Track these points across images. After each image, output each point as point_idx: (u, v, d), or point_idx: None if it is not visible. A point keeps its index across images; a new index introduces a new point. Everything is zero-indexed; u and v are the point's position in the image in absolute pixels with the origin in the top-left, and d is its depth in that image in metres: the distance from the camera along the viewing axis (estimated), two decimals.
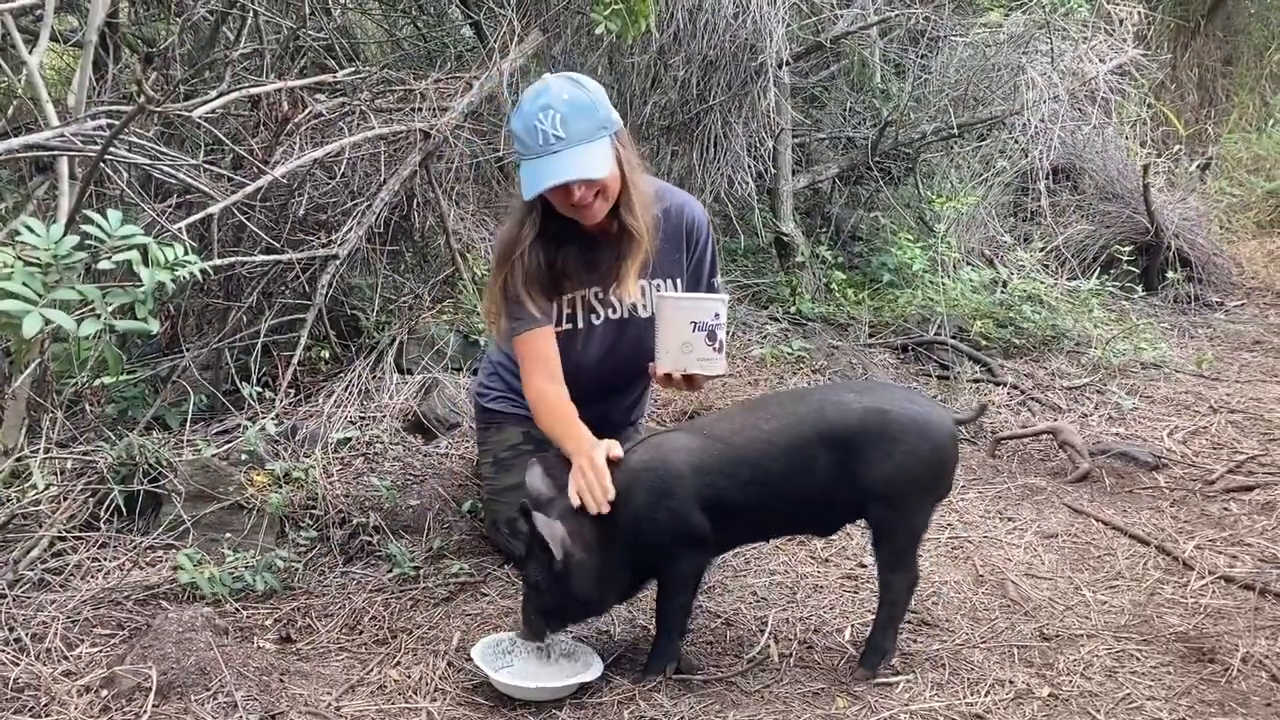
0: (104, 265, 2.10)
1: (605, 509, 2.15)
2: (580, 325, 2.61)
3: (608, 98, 2.43)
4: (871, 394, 2.25)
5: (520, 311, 2.48)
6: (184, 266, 2.18)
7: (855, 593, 2.63)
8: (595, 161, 2.34)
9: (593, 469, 2.19)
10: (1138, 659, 2.30)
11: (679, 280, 2.64)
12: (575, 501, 2.18)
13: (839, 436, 2.16)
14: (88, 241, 2.11)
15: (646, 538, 2.18)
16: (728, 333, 2.40)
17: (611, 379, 2.68)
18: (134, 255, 2.11)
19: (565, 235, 2.49)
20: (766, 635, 2.39)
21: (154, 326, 2.14)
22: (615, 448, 2.24)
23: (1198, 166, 6.83)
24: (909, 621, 2.42)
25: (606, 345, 2.62)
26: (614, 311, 2.61)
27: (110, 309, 2.08)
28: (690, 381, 2.42)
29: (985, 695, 2.15)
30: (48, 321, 1.98)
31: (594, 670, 2.20)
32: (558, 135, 2.31)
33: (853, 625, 2.46)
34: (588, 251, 2.53)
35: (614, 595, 2.27)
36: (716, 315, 2.35)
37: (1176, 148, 6.79)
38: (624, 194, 2.44)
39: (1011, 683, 2.19)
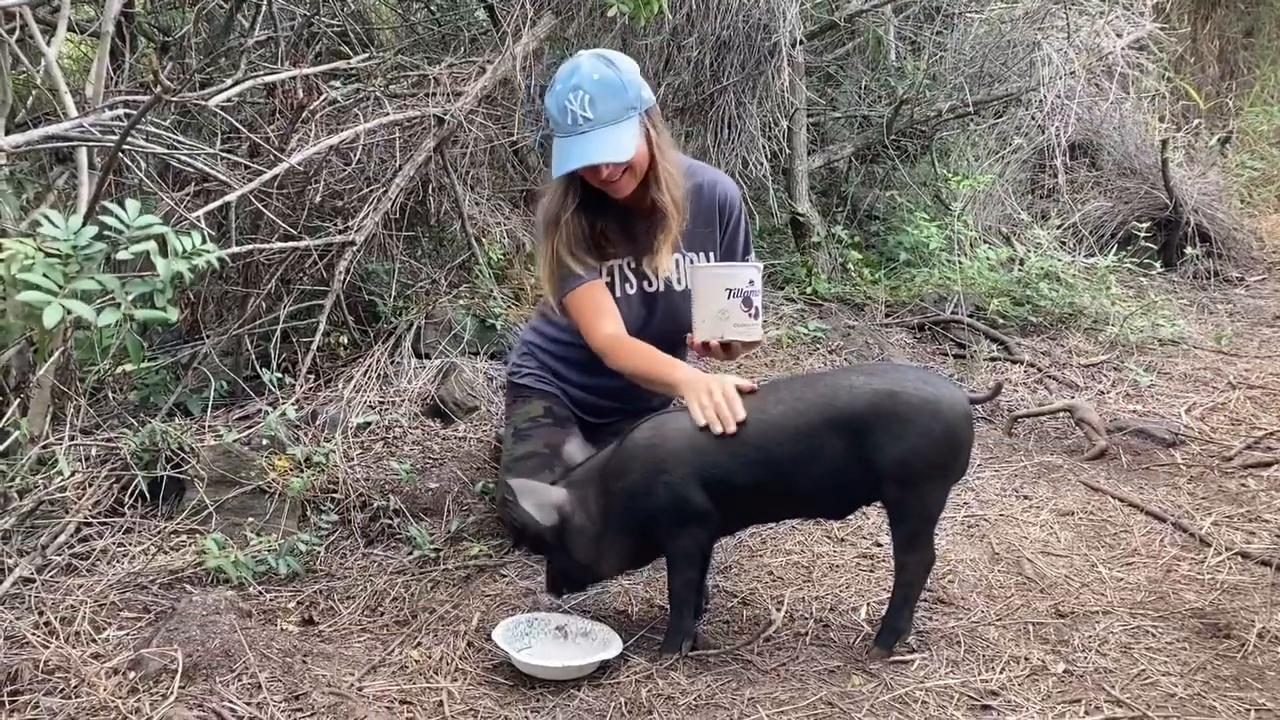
0: (123, 256, 2.12)
1: (732, 429, 2.17)
2: (617, 295, 2.63)
3: (639, 75, 2.47)
4: (883, 376, 2.25)
5: (569, 272, 2.53)
6: (201, 256, 2.20)
7: (871, 571, 2.64)
8: (621, 143, 2.39)
9: (724, 394, 2.22)
10: (1153, 635, 2.31)
11: (712, 255, 2.68)
12: (701, 422, 2.20)
13: (850, 420, 2.16)
14: (106, 232, 2.14)
15: (643, 512, 2.23)
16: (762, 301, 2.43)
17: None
18: (152, 245, 2.13)
19: (603, 204, 2.55)
20: (781, 616, 2.41)
21: (173, 315, 2.17)
22: (743, 381, 2.27)
23: (1218, 140, 6.75)
24: (924, 599, 2.43)
25: (640, 319, 2.63)
26: (648, 284, 2.65)
27: (130, 298, 2.10)
28: (728, 349, 2.46)
29: (1000, 672, 2.16)
30: (68, 312, 2.01)
31: (614, 648, 2.23)
32: (586, 116, 2.37)
33: (868, 604, 2.48)
34: (625, 221, 2.59)
35: (613, 562, 2.33)
36: (751, 282, 2.38)
37: (1196, 122, 6.72)
38: (653, 171, 2.48)
39: (1027, 659, 2.20)
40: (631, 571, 2.50)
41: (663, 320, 2.63)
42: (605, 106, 2.37)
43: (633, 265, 2.63)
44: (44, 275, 2.00)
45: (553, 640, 2.31)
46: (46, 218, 2.10)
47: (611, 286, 2.62)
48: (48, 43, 2.82)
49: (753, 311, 2.38)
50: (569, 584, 2.39)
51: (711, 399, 2.22)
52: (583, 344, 2.62)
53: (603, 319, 2.53)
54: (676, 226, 2.53)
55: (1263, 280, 5.85)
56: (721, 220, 2.68)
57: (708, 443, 2.20)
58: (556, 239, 2.53)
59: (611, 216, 2.58)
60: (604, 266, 2.62)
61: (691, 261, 2.64)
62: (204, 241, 2.24)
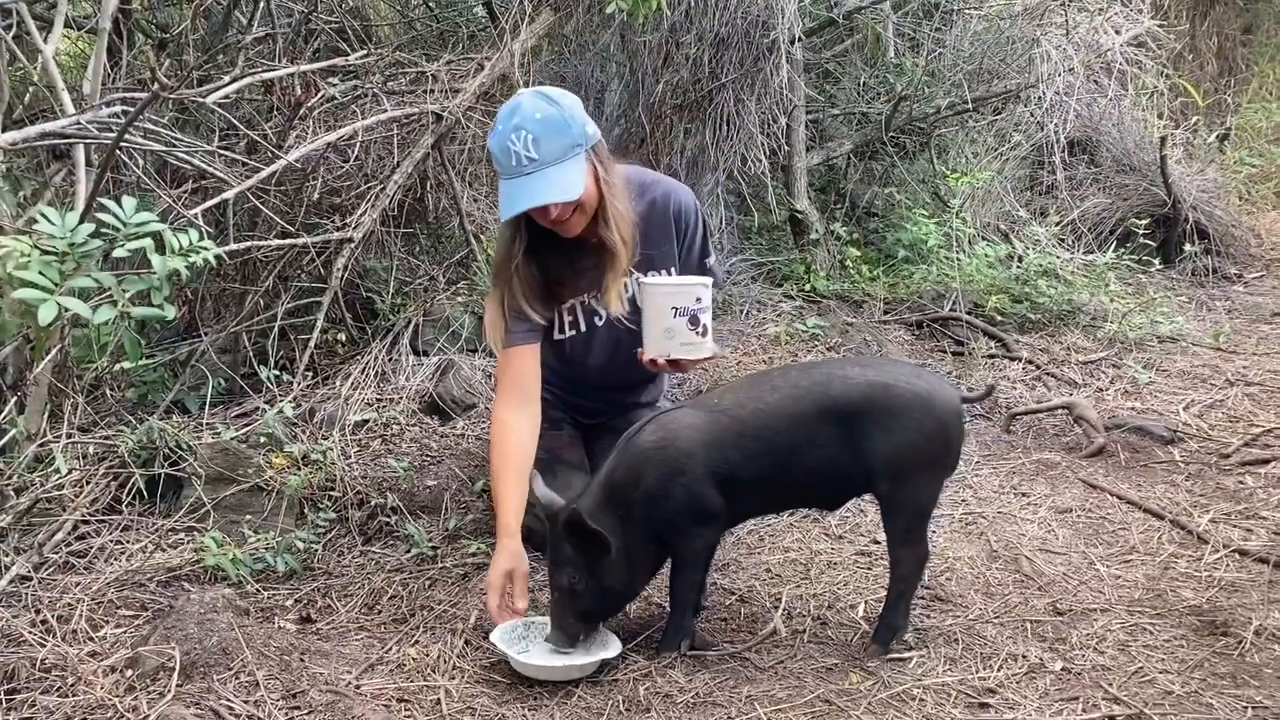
0: (119, 253, 2.12)
1: (502, 619, 2.28)
2: (584, 328, 2.65)
3: (583, 110, 2.42)
4: (876, 369, 2.25)
5: (519, 324, 2.52)
6: (198, 253, 2.20)
7: (869, 569, 2.64)
8: (568, 182, 2.35)
9: (518, 582, 2.33)
10: (1151, 633, 2.31)
11: (673, 269, 2.65)
12: (490, 603, 2.30)
13: (842, 410, 2.17)
14: (103, 229, 2.13)
15: (661, 516, 2.20)
16: (715, 313, 2.42)
17: (622, 375, 2.72)
18: (148, 243, 2.13)
19: (553, 245, 2.51)
20: (780, 612, 2.41)
21: (170, 313, 2.16)
22: (523, 564, 2.36)
23: (1216, 137, 6.76)
24: (922, 597, 2.43)
25: (613, 344, 2.65)
26: (599, 319, 2.65)
27: (127, 296, 2.10)
28: (676, 365, 2.44)
29: (998, 670, 2.16)
30: (65, 309, 2.00)
31: (613, 647, 2.22)
32: (530, 156, 2.32)
33: (866, 601, 2.48)
34: (577, 259, 2.55)
35: (644, 576, 2.29)
36: (699, 299, 2.35)
37: (1195, 119, 6.72)
38: (601, 209, 2.44)
39: (1024, 657, 2.21)
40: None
41: (636, 342, 2.57)
42: (549, 145, 2.32)
43: (597, 297, 2.61)
44: (40, 273, 1.99)
45: (548, 645, 2.30)
46: (43, 215, 2.09)
47: (577, 325, 2.64)
48: (45, 40, 2.82)
49: (700, 329, 2.36)
50: (593, 619, 2.24)
51: (502, 582, 2.32)
52: (569, 345, 2.65)
53: (511, 395, 2.52)
54: (625, 265, 2.50)
55: (1261, 277, 5.85)
56: (678, 232, 2.65)
57: (716, 438, 2.19)
58: (505, 288, 2.51)
59: (562, 256, 2.54)
60: (565, 307, 2.62)
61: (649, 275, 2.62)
62: (201, 239, 2.23)
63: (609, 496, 2.21)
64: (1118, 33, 5.22)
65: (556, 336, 2.67)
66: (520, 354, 2.53)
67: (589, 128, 2.40)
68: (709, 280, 2.43)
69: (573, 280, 2.59)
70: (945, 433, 2.20)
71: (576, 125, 2.36)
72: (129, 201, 2.17)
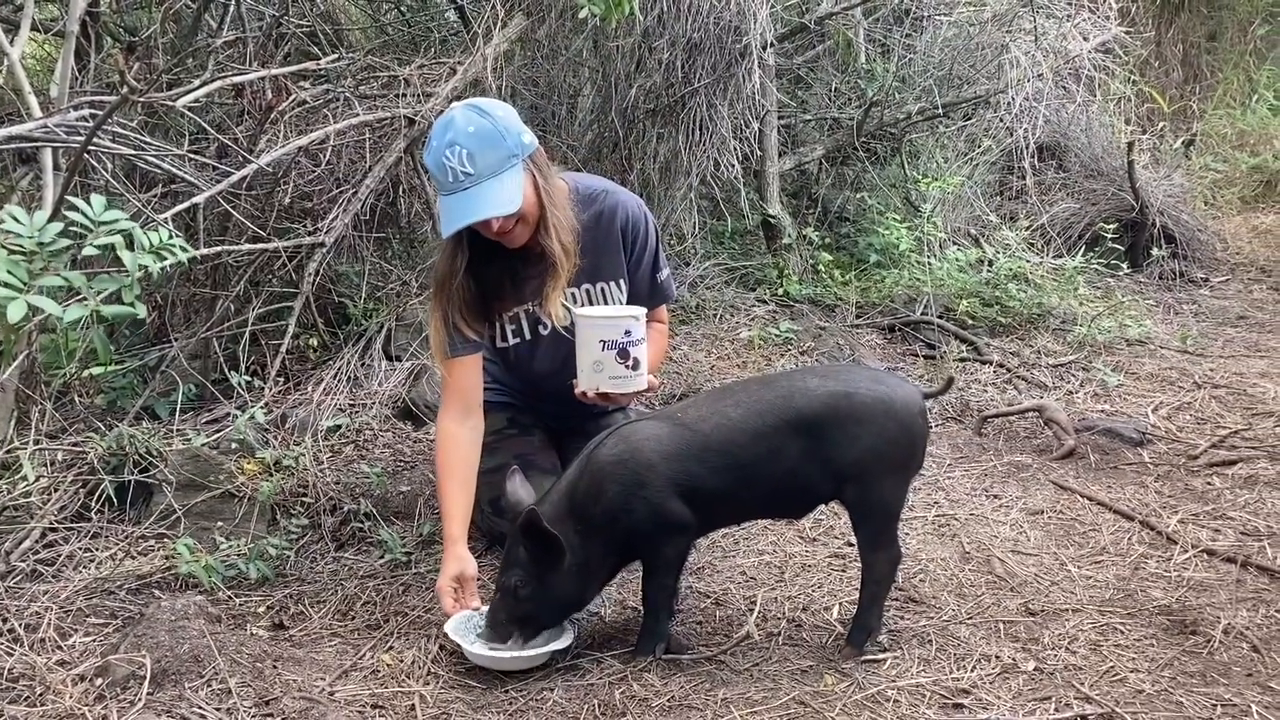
0: (88, 251, 2.09)
1: (459, 614, 2.30)
2: (529, 336, 2.65)
3: (518, 120, 2.41)
4: (836, 377, 2.26)
5: (457, 338, 2.50)
6: (169, 251, 2.18)
7: (843, 571, 2.65)
8: (506, 195, 2.33)
9: (463, 582, 2.36)
10: (1121, 632, 2.33)
11: (622, 281, 2.64)
12: (444, 603, 2.33)
13: (807, 422, 2.17)
14: (72, 227, 2.11)
15: (624, 528, 2.19)
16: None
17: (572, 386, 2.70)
18: (118, 240, 2.10)
19: (495, 257, 2.50)
20: (754, 616, 2.42)
21: (141, 311, 2.14)
22: (471, 567, 2.38)
23: (1182, 143, 6.85)
24: (896, 599, 2.44)
25: (560, 355, 2.61)
26: (544, 328, 2.64)
27: (97, 296, 2.08)
28: (607, 398, 2.43)
29: (971, 670, 2.17)
30: (35, 309, 1.98)
31: (565, 638, 2.23)
32: (466, 172, 2.31)
33: (840, 604, 2.48)
34: (520, 269, 2.55)
35: (595, 588, 2.29)
36: (628, 333, 2.33)
37: (1161, 125, 6.83)
38: (542, 218, 2.44)
39: (997, 657, 2.22)
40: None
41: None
42: (485, 159, 2.31)
43: (530, 310, 2.62)
44: (9, 272, 1.97)
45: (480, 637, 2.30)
46: (10, 215, 2.07)
47: (520, 333, 2.64)
48: (11, 42, 2.78)
49: (630, 363, 2.34)
50: (531, 624, 2.22)
51: (452, 586, 2.34)
52: (513, 354, 2.66)
53: (453, 405, 2.52)
54: (566, 273, 2.48)
55: (1226, 281, 5.94)
56: (626, 243, 2.64)
57: (677, 450, 2.19)
58: (447, 303, 2.50)
59: (505, 268, 2.54)
60: (507, 316, 2.62)
61: (603, 292, 2.62)
62: (171, 238, 2.21)
63: (570, 507, 2.20)
64: (1085, 39, 5.28)
65: (499, 344, 2.67)
66: (462, 365, 2.52)
67: (525, 137, 2.39)
68: (640, 312, 2.39)
69: (515, 291, 2.59)
70: (909, 434, 2.22)
71: (511, 136, 2.35)
72: (98, 199, 2.14)
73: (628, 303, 2.64)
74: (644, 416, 2.42)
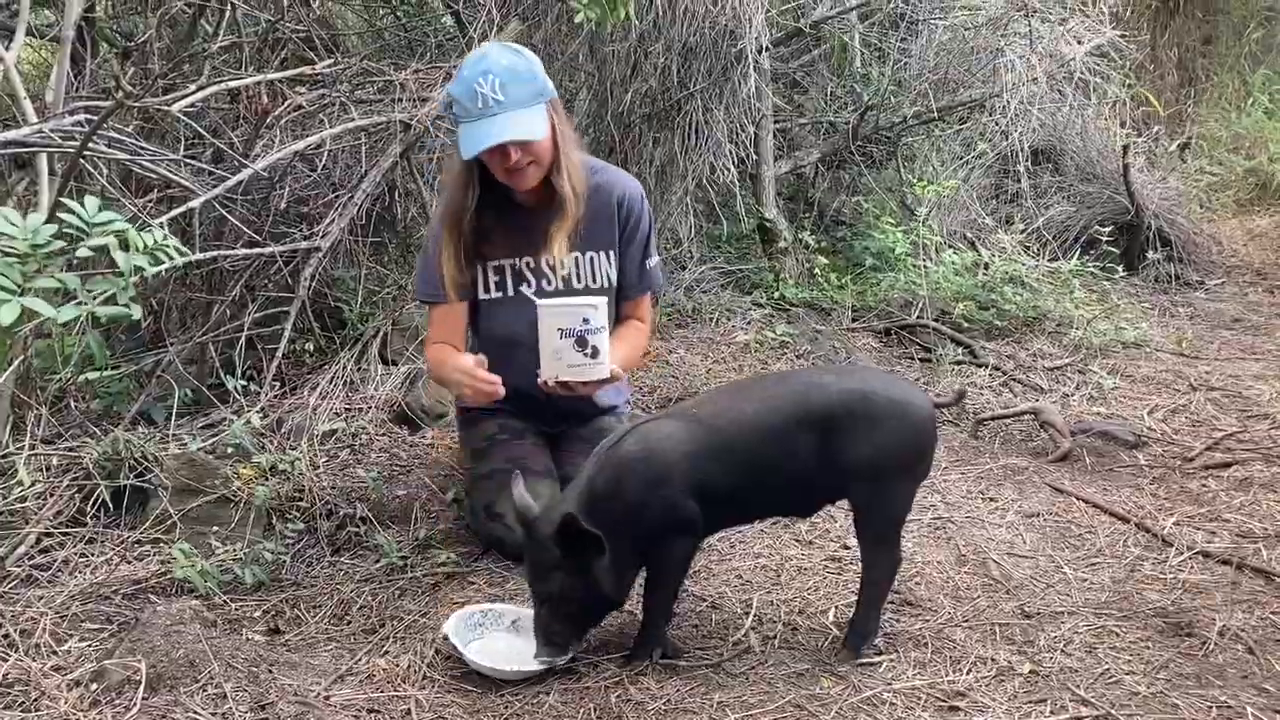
0: (83, 252, 2.09)
1: (501, 393, 2.45)
2: (510, 293, 2.68)
3: (544, 70, 2.52)
4: (852, 377, 2.28)
5: (446, 279, 2.62)
6: (163, 252, 2.17)
7: (839, 574, 2.65)
8: (533, 124, 2.45)
9: (469, 375, 2.47)
10: (1117, 634, 2.33)
11: (610, 253, 2.71)
12: (471, 403, 2.45)
13: (820, 419, 2.17)
14: (66, 229, 2.10)
15: (642, 526, 2.19)
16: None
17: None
18: (112, 240, 2.10)
19: (500, 205, 2.59)
20: (750, 619, 2.42)
21: (136, 312, 2.13)
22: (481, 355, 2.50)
23: (1177, 146, 6.87)
24: (892, 601, 2.44)
25: (534, 319, 2.57)
26: (547, 283, 2.68)
27: (92, 298, 2.07)
28: (569, 388, 2.43)
29: (967, 673, 2.17)
30: (29, 312, 1.97)
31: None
32: (497, 99, 2.41)
33: (836, 607, 2.48)
34: (521, 220, 2.62)
35: (629, 584, 2.26)
36: (586, 320, 2.33)
37: (1156, 128, 6.83)
38: (556, 160, 2.54)
39: (993, 660, 2.22)
40: None
41: None
42: (517, 91, 2.42)
43: (530, 265, 2.67)
44: (2, 274, 1.97)
45: (505, 635, 2.29)
46: (5, 217, 2.07)
47: (504, 286, 2.69)
48: (6, 47, 2.78)
49: (589, 351, 2.34)
50: (580, 626, 2.21)
51: (469, 381, 2.47)
52: (488, 309, 2.72)
53: (437, 335, 2.70)
54: (574, 216, 2.56)
55: (1222, 284, 5.94)
56: (620, 216, 2.71)
57: (696, 448, 2.18)
58: (449, 239, 2.59)
59: (506, 216, 2.62)
60: (492, 265, 2.68)
61: (591, 260, 2.69)
62: (165, 239, 2.21)
63: (591, 507, 2.16)
64: (1080, 43, 5.28)
65: (481, 295, 2.72)
66: (451, 311, 2.66)
67: (549, 84, 2.52)
68: (599, 301, 2.38)
69: (510, 239, 2.65)
70: (920, 439, 2.22)
71: (540, 78, 2.49)
72: (91, 201, 2.14)
73: (616, 282, 2.71)
74: (656, 416, 2.42)
